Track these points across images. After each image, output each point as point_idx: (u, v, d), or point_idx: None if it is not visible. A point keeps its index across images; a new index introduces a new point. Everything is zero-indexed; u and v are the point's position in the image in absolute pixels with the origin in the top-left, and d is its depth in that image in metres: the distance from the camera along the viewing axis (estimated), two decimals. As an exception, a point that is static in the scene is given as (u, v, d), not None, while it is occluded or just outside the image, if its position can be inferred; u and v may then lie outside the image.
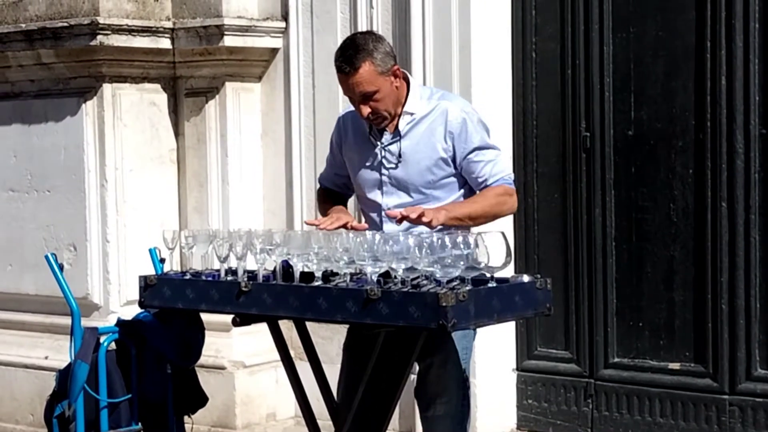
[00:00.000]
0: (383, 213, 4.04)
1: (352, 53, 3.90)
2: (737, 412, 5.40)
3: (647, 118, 5.60)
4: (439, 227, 3.84)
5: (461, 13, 5.72)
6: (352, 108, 4.09)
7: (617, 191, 5.67)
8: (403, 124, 4.02)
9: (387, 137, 4.04)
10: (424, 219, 3.75)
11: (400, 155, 4.02)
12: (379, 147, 4.05)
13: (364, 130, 4.09)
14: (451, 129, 4.00)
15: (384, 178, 4.06)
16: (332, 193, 4.34)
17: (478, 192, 4.05)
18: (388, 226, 4.01)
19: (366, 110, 3.95)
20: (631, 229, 5.66)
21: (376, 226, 4.06)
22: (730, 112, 5.35)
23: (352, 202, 4.48)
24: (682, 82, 5.49)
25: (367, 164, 4.09)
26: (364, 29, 5.81)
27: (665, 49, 5.54)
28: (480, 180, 4.01)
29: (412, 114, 4.02)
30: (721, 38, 5.36)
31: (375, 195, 4.08)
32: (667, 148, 5.54)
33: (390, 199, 4.05)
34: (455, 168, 4.03)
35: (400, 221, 3.81)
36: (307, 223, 4.08)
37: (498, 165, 4.03)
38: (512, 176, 4.09)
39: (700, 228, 5.47)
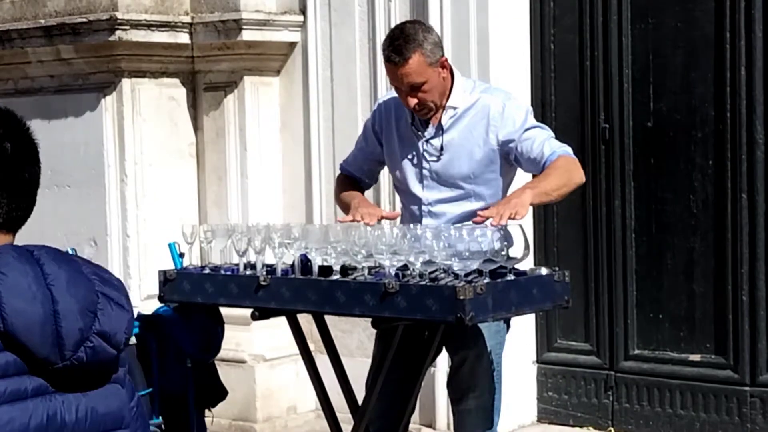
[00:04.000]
0: (423, 208, 3.99)
1: (402, 43, 3.84)
2: (758, 404, 5.39)
3: (666, 110, 5.58)
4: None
5: (479, 4, 5.71)
6: (393, 94, 4.04)
7: (637, 183, 5.66)
8: (446, 118, 3.98)
9: (430, 130, 4.00)
10: (518, 217, 3.58)
11: (441, 149, 3.98)
12: (421, 140, 4.01)
13: (407, 120, 4.04)
14: (494, 123, 3.94)
15: (425, 171, 4.02)
16: (352, 181, 4.29)
17: (539, 172, 3.92)
18: (428, 221, 3.98)
19: (413, 101, 3.89)
20: (651, 221, 5.64)
21: (416, 218, 4.03)
22: (750, 103, 5.33)
23: (385, 192, 4.47)
24: (701, 72, 5.47)
25: (409, 156, 4.05)
26: (382, 22, 5.81)
27: (684, 39, 5.51)
28: (537, 158, 3.88)
29: (455, 108, 3.97)
30: (740, 28, 5.33)
31: (415, 188, 4.04)
32: (687, 139, 5.52)
33: (431, 193, 4.01)
34: (507, 162, 3.96)
35: (492, 224, 3.59)
36: (341, 221, 3.96)
37: (553, 142, 3.92)
38: (570, 149, 3.96)
39: (720, 219, 5.45)
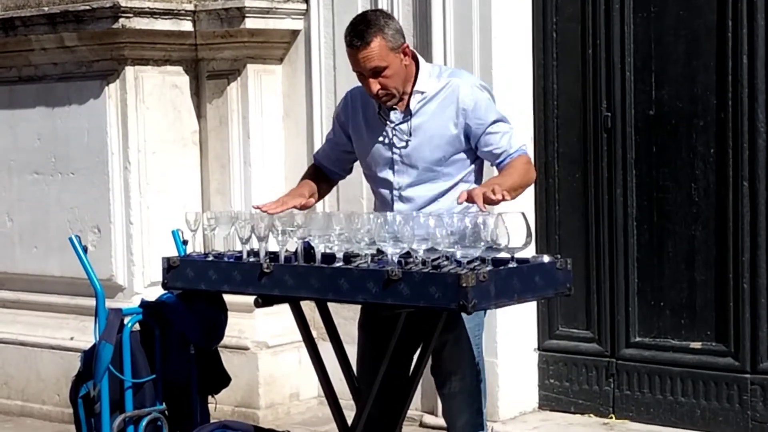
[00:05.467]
0: (394, 193, 4.05)
1: (363, 28, 3.92)
2: (759, 391, 5.40)
3: (668, 98, 5.58)
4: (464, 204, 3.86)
5: (482, -7, 5.72)
6: (360, 85, 4.09)
7: (638, 171, 5.67)
8: (414, 102, 4.03)
9: (398, 116, 4.05)
10: (497, 196, 3.66)
11: (410, 133, 4.04)
12: (389, 126, 4.06)
13: (374, 109, 4.10)
14: (464, 106, 4.00)
15: (395, 156, 4.07)
16: (320, 172, 4.35)
17: (495, 164, 4.05)
18: (399, 206, 4.04)
19: (375, 86, 3.95)
20: (653, 209, 5.65)
21: (387, 205, 4.08)
22: (752, 91, 5.33)
23: (357, 184, 4.47)
24: (703, 61, 5.48)
25: (377, 143, 4.10)
26: (385, 9, 5.81)
27: (686, 28, 5.52)
28: (498, 152, 4.01)
29: (422, 92, 4.03)
30: (742, 16, 5.33)
31: (386, 173, 4.09)
32: (689, 128, 5.53)
33: (401, 178, 4.06)
34: (467, 143, 4.04)
35: (478, 204, 3.67)
36: (254, 207, 4.08)
37: (514, 137, 4.04)
38: (526, 146, 4.11)
39: (721, 207, 5.46)
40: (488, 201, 3.67)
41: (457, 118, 4.01)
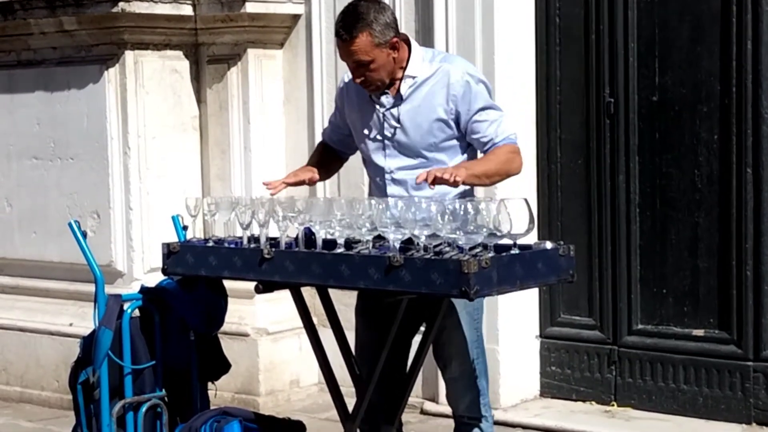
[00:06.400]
0: (386, 176, 4.07)
1: (351, 21, 3.91)
2: (761, 379, 5.39)
3: (672, 84, 5.55)
4: (460, 189, 3.86)
5: (484, -22, 5.68)
6: None
7: (641, 157, 5.64)
8: (405, 87, 4.02)
9: (389, 100, 4.05)
10: (447, 176, 3.74)
11: (400, 119, 4.03)
12: (380, 110, 4.06)
13: (367, 93, 4.09)
14: (454, 92, 3.99)
15: (387, 141, 4.07)
16: (329, 149, 4.37)
17: (483, 152, 4.05)
18: (392, 189, 4.04)
19: (358, 79, 3.98)
20: (655, 196, 5.63)
21: (381, 190, 4.08)
22: (756, 77, 5.30)
23: (358, 170, 4.45)
24: (707, 46, 5.44)
25: (370, 127, 4.10)
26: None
27: (690, 13, 5.48)
28: (485, 140, 4.01)
29: (414, 77, 4.02)
30: (747, 2, 5.30)
31: (378, 158, 4.10)
32: (692, 114, 5.50)
33: (393, 162, 4.06)
34: (458, 130, 4.03)
35: (428, 183, 3.76)
36: (264, 184, 4.16)
37: (503, 125, 4.02)
38: (516, 135, 4.08)
39: (724, 194, 5.43)
40: (439, 181, 3.73)
41: (447, 104, 4.00)
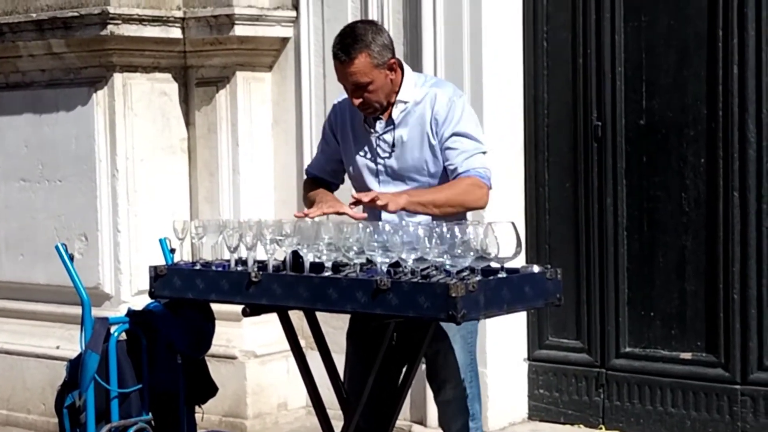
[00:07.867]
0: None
1: (350, 42, 3.90)
2: (749, 402, 5.39)
3: (659, 108, 5.58)
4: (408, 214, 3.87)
5: (472, 1, 5.70)
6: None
7: (629, 180, 5.66)
8: (397, 112, 4.01)
9: (382, 125, 4.03)
10: (379, 202, 3.73)
11: (393, 144, 4.02)
12: (373, 136, 4.04)
13: (361, 118, 4.07)
14: (437, 116, 3.97)
15: (380, 167, 4.05)
16: (320, 182, 4.31)
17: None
18: (386, 216, 4.00)
19: (357, 100, 3.95)
20: (643, 219, 5.64)
21: (375, 216, 4.04)
22: (742, 101, 5.33)
23: (347, 192, 4.45)
24: (693, 70, 5.47)
25: (363, 153, 4.08)
26: (375, 18, 5.79)
27: (677, 38, 5.51)
28: (451, 168, 3.94)
29: (405, 102, 4.01)
30: (733, 27, 5.33)
31: (372, 184, 4.06)
32: (679, 138, 5.52)
33: (386, 188, 4.01)
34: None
35: (354, 204, 3.78)
36: (296, 216, 3.95)
37: (474, 158, 3.94)
38: (488, 172, 3.97)
39: (711, 217, 5.45)
40: (370, 204, 3.74)
41: (431, 127, 3.98)
